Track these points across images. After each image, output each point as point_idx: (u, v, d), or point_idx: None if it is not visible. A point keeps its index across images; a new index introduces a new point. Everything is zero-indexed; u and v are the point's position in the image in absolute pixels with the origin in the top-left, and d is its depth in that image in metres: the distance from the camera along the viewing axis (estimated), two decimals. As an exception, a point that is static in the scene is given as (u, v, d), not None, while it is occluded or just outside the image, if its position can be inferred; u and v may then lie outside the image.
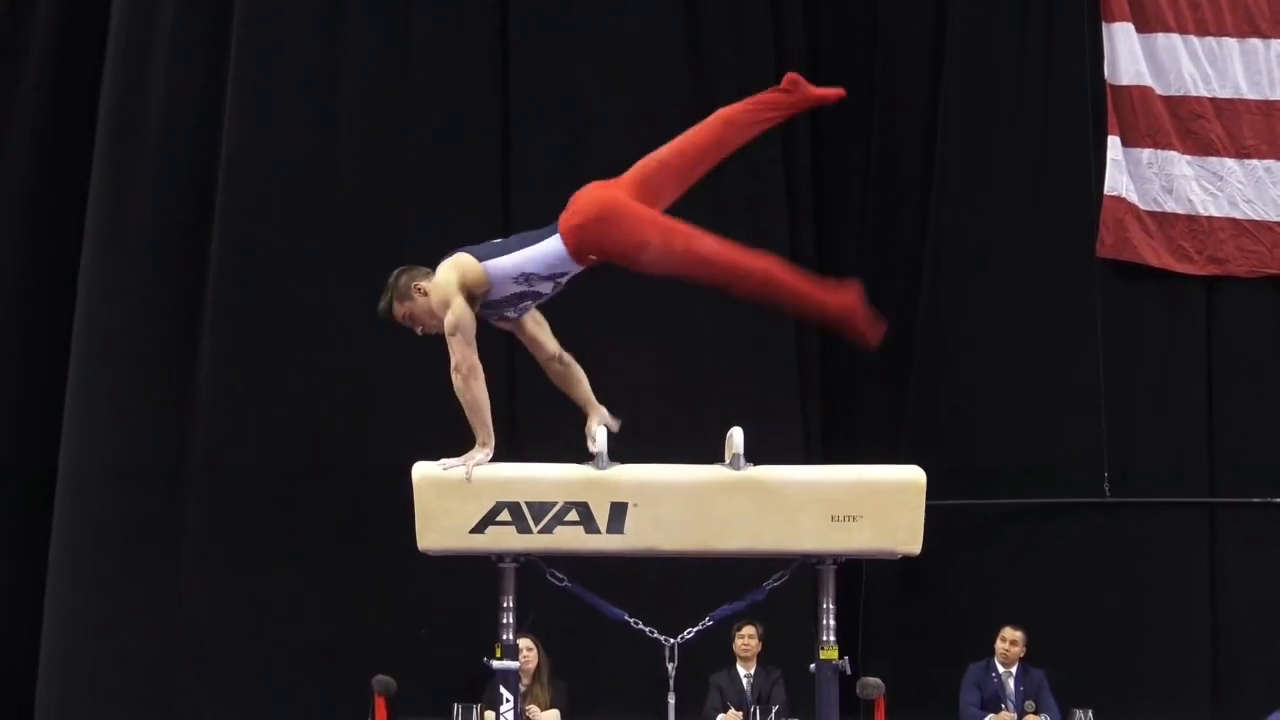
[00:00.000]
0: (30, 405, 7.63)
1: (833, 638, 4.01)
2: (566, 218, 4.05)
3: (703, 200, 7.68)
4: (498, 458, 4.01)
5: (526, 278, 4.01)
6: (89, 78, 7.71)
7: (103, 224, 7.60)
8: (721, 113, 4.17)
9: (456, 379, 3.96)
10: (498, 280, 4.02)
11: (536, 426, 6.98)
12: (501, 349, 7.56)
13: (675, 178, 4.07)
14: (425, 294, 4.06)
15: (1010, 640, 7.41)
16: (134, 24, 7.67)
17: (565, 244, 4.01)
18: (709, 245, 4.01)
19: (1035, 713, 7.32)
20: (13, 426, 7.64)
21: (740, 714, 7.02)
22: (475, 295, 4.01)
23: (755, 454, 3.91)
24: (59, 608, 7.39)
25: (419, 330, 4.15)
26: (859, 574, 7.78)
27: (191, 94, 7.70)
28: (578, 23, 7.91)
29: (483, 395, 3.96)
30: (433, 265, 7.95)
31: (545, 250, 4.00)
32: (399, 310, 4.12)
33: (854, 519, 3.85)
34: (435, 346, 7.74)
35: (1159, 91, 8.21)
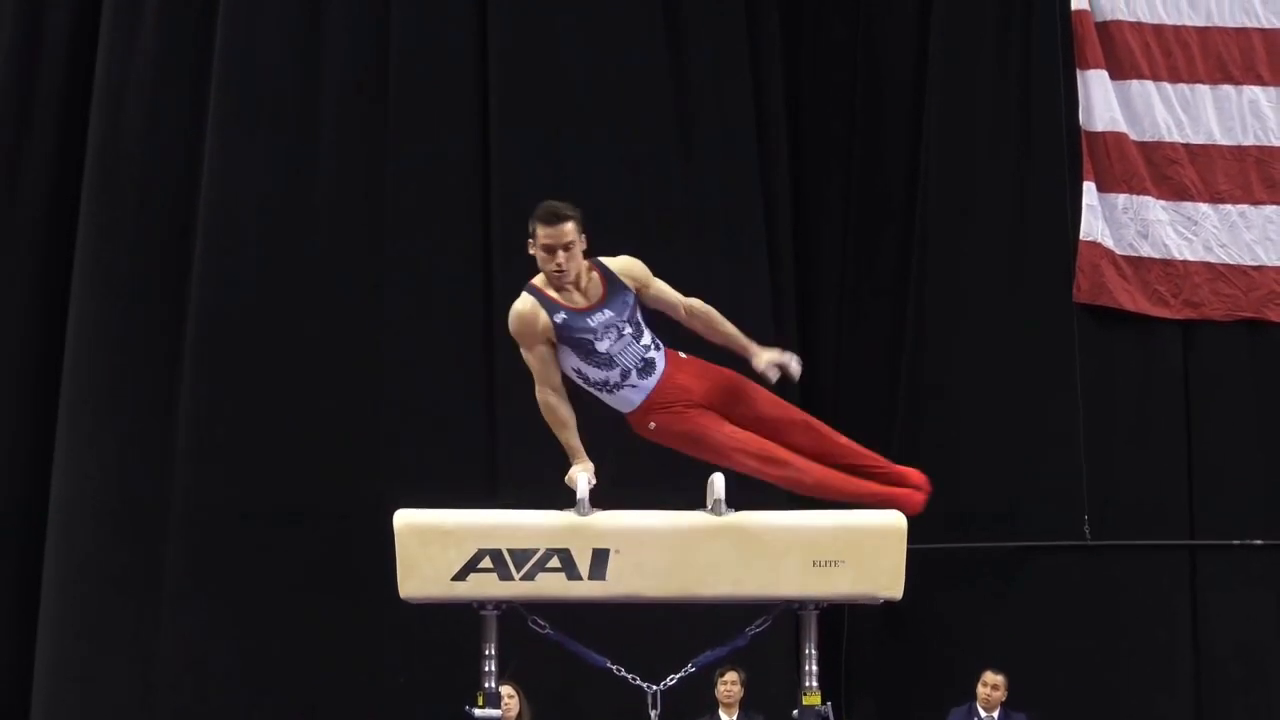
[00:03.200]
0: (22, 449, 7.60)
1: (815, 683, 3.99)
2: (643, 419, 3.91)
3: (684, 243, 7.81)
4: (480, 503, 4.00)
5: (577, 371, 3.91)
6: (77, 122, 7.73)
7: (90, 270, 7.62)
8: (826, 429, 4.04)
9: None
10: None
11: (518, 472, 6.98)
12: (483, 393, 7.60)
13: (746, 420, 3.95)
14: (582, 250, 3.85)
15: (992, 685, 7.41)
16: (113, 68, 7.71)
17: (631, 422, 3.93)
18: (779, 463, 3.92)
19: (1017, 757, 7.31)
20: (5, 471, 7.61)
21: (723, 761, 6.99)
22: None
23: (737, 499, 3.91)
24: (48, 650, 7.35)
25: (562, 265, 3.82)
26: (841, 619, 7.77)
27: (172, 139, 7.73)
28: (558, 56, 7.97)
29: (558, 414, 3.85)
30: (414, 309, 8.00)
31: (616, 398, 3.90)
32: (576, 233, 3.84)
33: (836, 564, 3.84)
34: (416, 391, 7.77)
35: (1133, 137, 8.29)
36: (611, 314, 3.89)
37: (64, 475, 7.47)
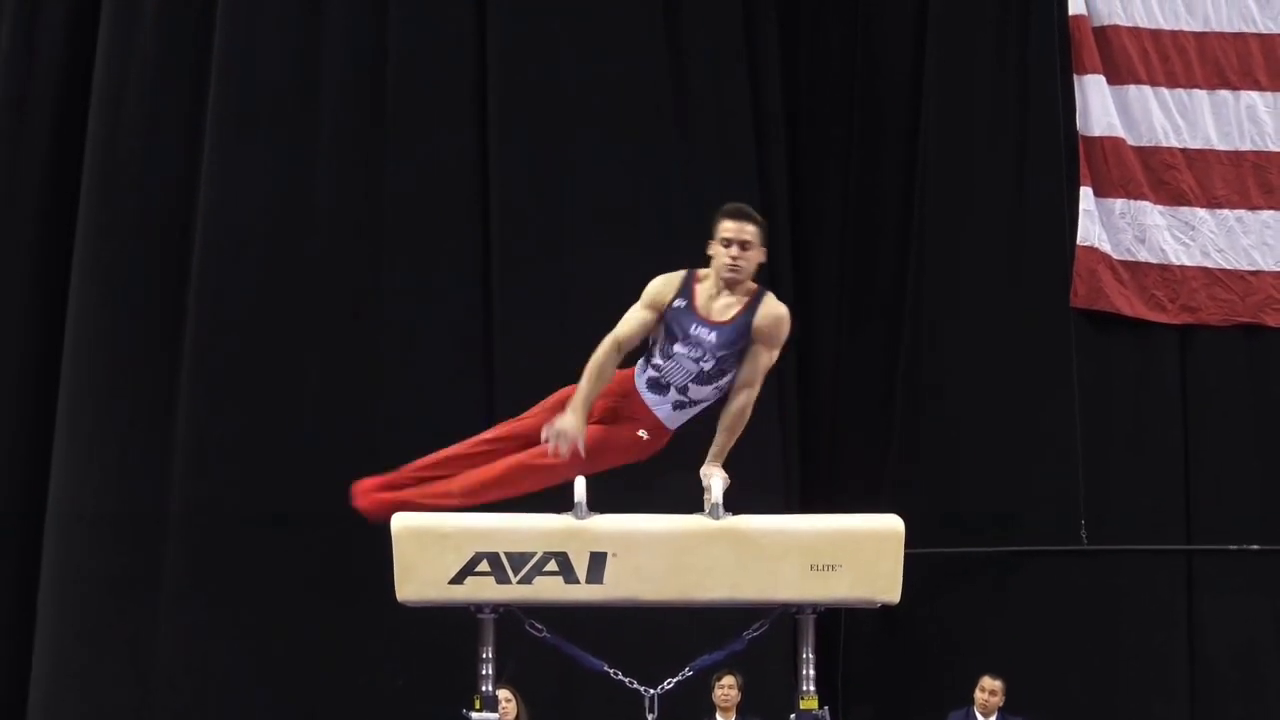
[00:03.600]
0: (20, 452, 7.60)
1: (812, 687, 3.99)
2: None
3: (682, 245, 7.79)
4: (476, 507, 4.00)
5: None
6: (76, 129, 7.74)
7: (88, 272, 7.63)
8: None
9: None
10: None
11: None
12: (482, 396, 7.60)
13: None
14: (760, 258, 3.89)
15: (989, 690, 7.41)
16: (112, 69, 7.71)
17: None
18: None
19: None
20: (4, 474, 7.61)
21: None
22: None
23: (735, 503, 3.92)
24: (45, 657, 7.35)
25: (737, 259, 3.85)
26: (838, 623, 7.77)
27: (171, 141, 7.73)
28: (556, 58, 7.97)
29: (595, 371, 3.84)
30: (413, 310, 7.99)
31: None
32: (757, 239, 3.90)
33: (833, 568, 3.84)
34: (415, 395, 7.77)
35: (1130, 142, 8.30)
36: (714, 340, 3.89)
37: (62, 478, 7.47)
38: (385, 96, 7.83)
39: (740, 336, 3.91)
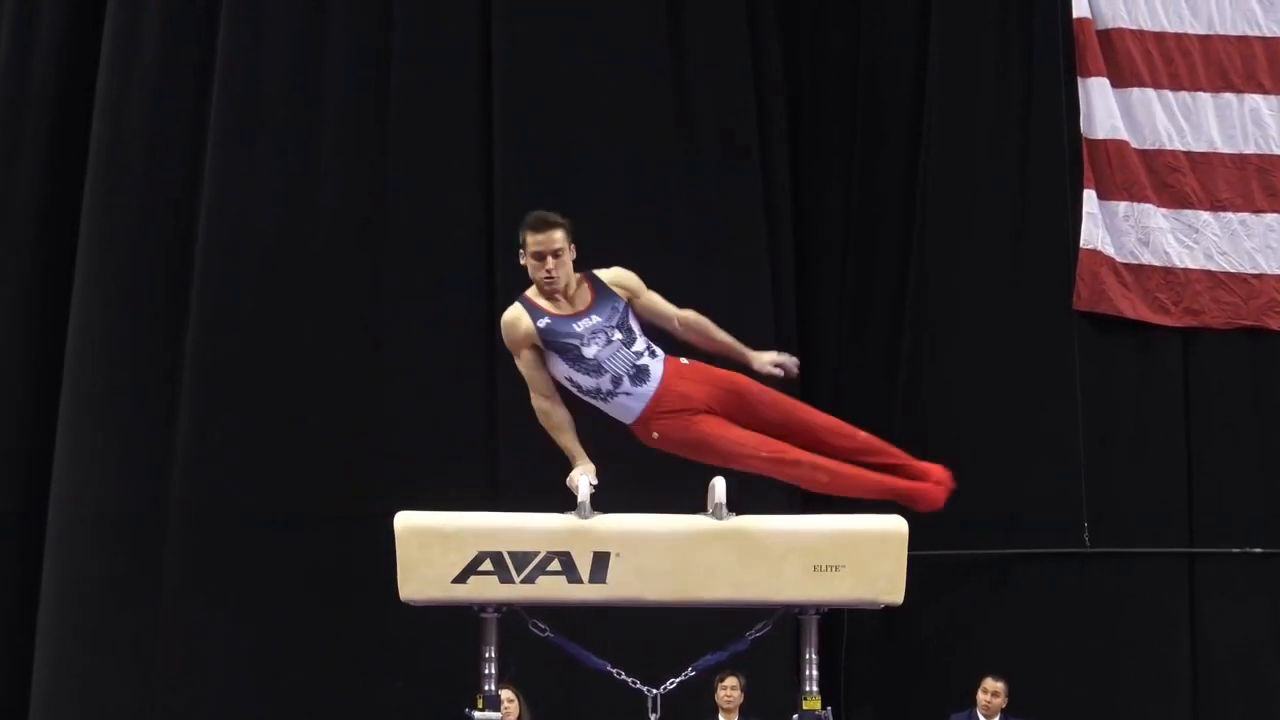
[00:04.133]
0: (22, 454, 7.61)
1: (815, 688, 3.99)
2: (645, 429, 3.91)
3: (685, 251, 7.82)
4: (480, 506, 4.00)
5: (569, 379, 3.93)
6: (79, 133, 7.74)
7: (90, 277, 7.63)
8: (841, 426, 4.02)
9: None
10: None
11: (519, 475, 6.98)
12: (484, 397, 7.60)
13: (754, 422, 3.93)
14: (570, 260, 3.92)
15: (992, 691, 7.41)
16: (115, 81, 7.72)
17: (635, 432, 3.93)
18: (792, 463, 3.92)
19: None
20: (5, 476, 7.61)
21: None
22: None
23: (738, 504, 3.92)
24: (47, 658, 7.35)
25: (551, 271, 3.90)
26: (841, 624, 7.77)
27: (173, 145, 7.73)
28: (560, 64, 7.98)
29: (553, 419, 3.88)
30: (415, 313, 7.99)
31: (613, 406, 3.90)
32: (565, 241, 3.92)
33: (836, 569, 3.84)
34: (418, 396, 7.77)
35: (1134, 145, 8.30)
36: (599, 320, 3.92)
37: (64, 478, 7.47)
38: (389, 97, 7.83)
39: (611, 305, 3.94)
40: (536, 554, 3.82)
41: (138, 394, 7.58)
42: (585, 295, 3.97)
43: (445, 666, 6.48)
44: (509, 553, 3.82)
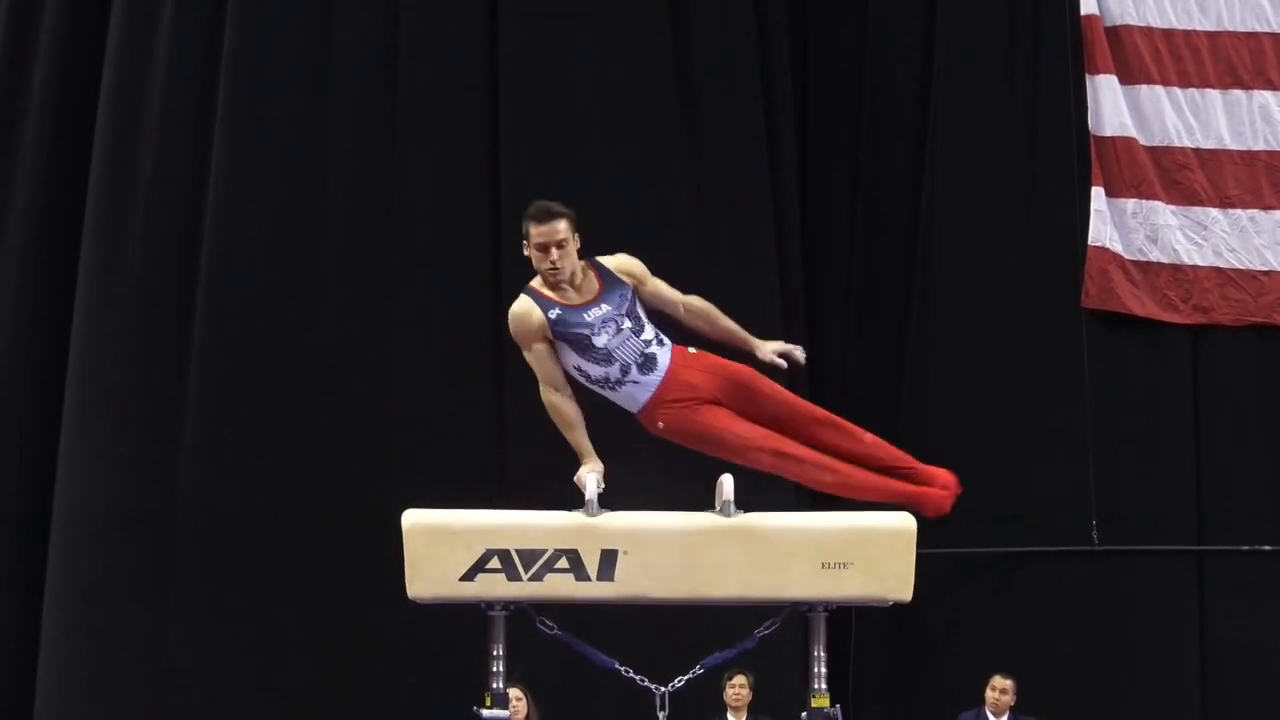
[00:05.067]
0: (27, 455, 7.61)
1: (824, 686, 3.99)
2: (651, 418, 3.89)
3: (693, 247, 7.81)
4: (488, 504, 4.00)
5: (578, 369, 3.91)
6: (84, 130, 7.75)
7: (95, 274, 7.62)
8: (848, 426, 3.99)
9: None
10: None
11: (527, 473, 6.98)
12: (491, 394, 7.60)
13: (761, 415, 3.91)
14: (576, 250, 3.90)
15: (1000, 689, 7.40)
16: (125, 74, 7.71)
17: (641, 421, 3.92)
18: (796, 460, 3.90)
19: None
20: (11, 477, 7.62)
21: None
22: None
23: (745, 501, 3.91)
24: (52, 657, 7.36)
25: (556, 262, 3.87)
26: (849, 622, 7.77)
27: (179, 149, 7.73)
28: (567, 62, 7.97)
29: (564, 414, 3.86)
30: (423, 312, 7.99)
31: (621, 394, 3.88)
32: (569, 231, 3.90)
33: (845, 566, 3.84)
34: (424, 397, 7.77)
35: (1143, 142, 8.28)
36: (608, 308, 3.90)
37: (70, 479, 7.47)
38: (395, 97, 7.83)
39: (620, 293, 3.92)
40: (544, 552, 3.82)
41: (144, 393, 7.58)
42: (593, 284, 3.94)
43: (454, 665, 6.48)
44: (517, 550, 3.82)
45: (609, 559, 3.81)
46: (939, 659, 7.99)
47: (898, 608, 4.01)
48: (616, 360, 3.90)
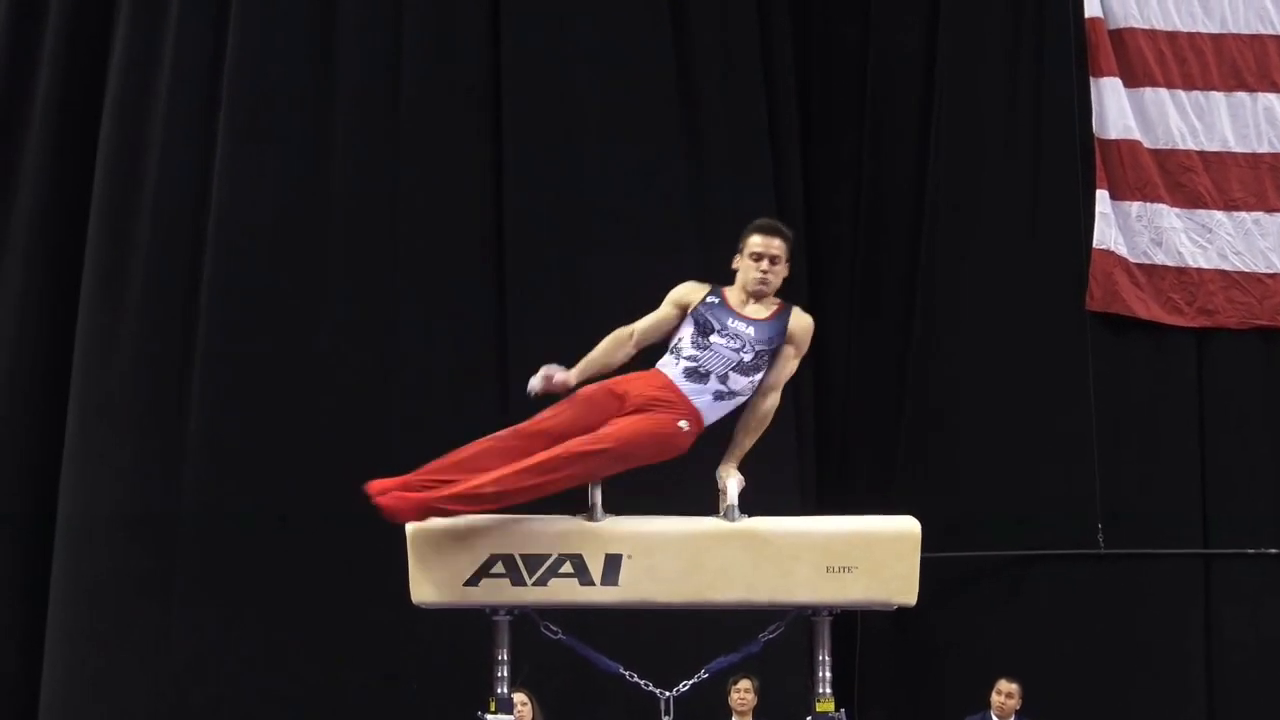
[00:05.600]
0: (32, 458, 7.62)
1: (829, 690, 3.98)
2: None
3: (695, 252, 7.81)
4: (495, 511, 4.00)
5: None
6: (88, 137, 7.76)
7: (99, 279, 7.63)
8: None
9: None
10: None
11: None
12: (495, 400, 7.60)
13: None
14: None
15: (1006, 693, 7.39)
16: (129, 80, 7.72)
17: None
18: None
19: (1031, 765, 7.29)
20: (15, 480, 7.63)
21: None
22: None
23: (749, 505, 3.91)
24: (57, 659, 7.36)
25: (766, 273, 4.03)
26: (854, 625, 7.76)
27: (184, 150, 7.73)
28: (569, 67, 7.97)
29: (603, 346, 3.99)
30: (427, 318, 7.97)
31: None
32: (785, 252, 4.06)
33: (849, 570, 3.84)
34: (428, 398, 7.76)
35: (1147, 145, 8.28)
36: (752, 333, 3.99)
37: (73, 481, 7.47)
38: (398, 100, 7.83)
39: (778, 334, 4.01)
40: (548, 556, 3.82)
41: (148, 395, 7.59)
42: (766, 313, 4.04)
43: (458, 669, 6.47)
44: (521, 555, 3.82)
45: (613, 563, 3.81)
46: (944, 663, 7.98)
47: (902, 611, 4.00)
48: (711, 370, 3.96)
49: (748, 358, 3.97)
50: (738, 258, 4.07)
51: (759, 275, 4.00)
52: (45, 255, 7.78)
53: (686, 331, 4.00)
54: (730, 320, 3.98)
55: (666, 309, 4.05)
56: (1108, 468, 7.99)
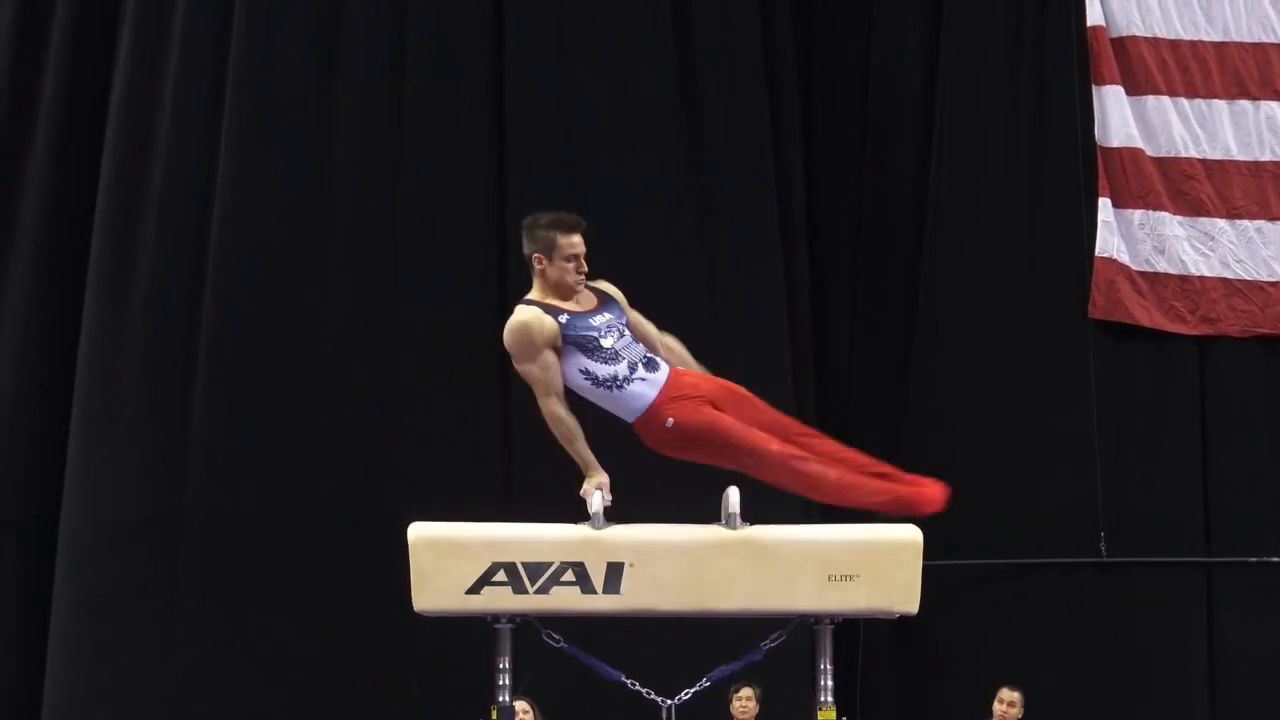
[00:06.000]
0: (35, 463, 7.62)
1: (831, 698, 3.98)
2: (660, 415, 3.93)
3: (698, 257, 7.81)
4: (494, 516, 4.00)
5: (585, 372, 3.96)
6: (93, 139, 7.76)
7: (104, 283, 7.64)
8: (835, 444, 4.08)
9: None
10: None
11: (533, 485, 6.98)
12: (498, 406, 7.60)
13: (758, 426, 3.97)
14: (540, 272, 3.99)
15: (1008, 701, 7.37)
16: (134, 82, 7.74)
17: (644, 428, 3.94)
18: (801, 459, 3.94)
19: (1034, 774, 7.28)
20: (18, 484, 7.63)
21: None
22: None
23: (752, 513, 3.91)
24: (59, 667, 7.36)
25: (582, 270, 4.01)
26: (856, 634, 7.75)
27: (186, 156, 7.74)
28: (572, 72, 7.98)
29: (565, 429, 3.90)
30: (429, 321, 7.98)
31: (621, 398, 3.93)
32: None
33: (851, 578, 3.84)
34: (431, 403, 7.77)
35: (1149, 153, 8.28)
36: (610, 316, 4.01)
37: (77, 490, 7.47)
38: (402, 104, 7.84)
39: (616, 307, 4.04)
40: (550, 564, 3.82)
41: (150, 401, 7.59)
42: (590, 297, 4.04)
43: (460, 676, 6.47)
44: (523, 563, 3.82)
45: (615, 572, 3.81)
46: (946, 671, 7.97)
47: (904, 620, 4.00)
48: (624, 359, 3.95)
49: (629, 333, 3.99)
50: (540, 260, 3.99)
51: (579, 277, 4.00)
52: (49, 259, 7.79)
53: (581, 360, 3.91)
54: (592, 320, 3.95)
55: (547, 356, 3.91)
56: (1110, 476, 7.98)
